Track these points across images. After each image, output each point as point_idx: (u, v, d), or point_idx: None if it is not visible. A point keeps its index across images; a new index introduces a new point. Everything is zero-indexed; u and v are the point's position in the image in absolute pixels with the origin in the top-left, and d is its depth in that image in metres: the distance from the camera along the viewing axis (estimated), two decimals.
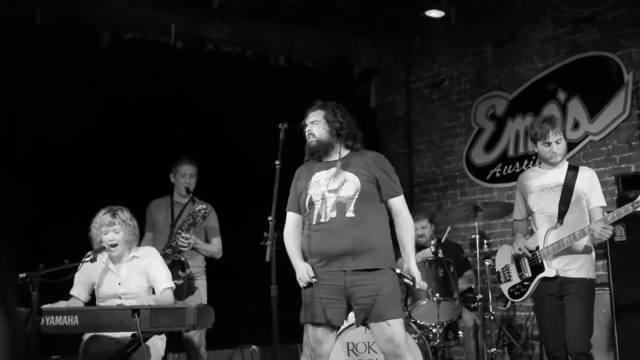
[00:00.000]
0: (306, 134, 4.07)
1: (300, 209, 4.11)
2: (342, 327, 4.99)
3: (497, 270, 4.92)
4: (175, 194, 5.59)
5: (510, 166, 6.84)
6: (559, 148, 4.50)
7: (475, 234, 5.55)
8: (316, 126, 4.04)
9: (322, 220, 3.92)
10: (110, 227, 4.41)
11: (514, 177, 6.69)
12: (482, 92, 7.17)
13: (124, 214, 4.48)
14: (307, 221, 4.04)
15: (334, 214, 3.90)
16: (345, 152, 4.05)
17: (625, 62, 6.06)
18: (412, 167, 7.70)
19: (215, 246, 5.57)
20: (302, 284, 3.97)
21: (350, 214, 3.90)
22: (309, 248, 4.00)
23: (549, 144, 4.48)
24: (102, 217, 4.43)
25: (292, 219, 4.15)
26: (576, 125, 6.35)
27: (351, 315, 4.19)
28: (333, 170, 3.99)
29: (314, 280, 3.90)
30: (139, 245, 4.71)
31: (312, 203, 3.99)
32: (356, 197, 3.91)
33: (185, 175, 5.52)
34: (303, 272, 3.94)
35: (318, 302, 3.89)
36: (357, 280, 3.87)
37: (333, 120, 4.02)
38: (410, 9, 7.14)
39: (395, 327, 3.86)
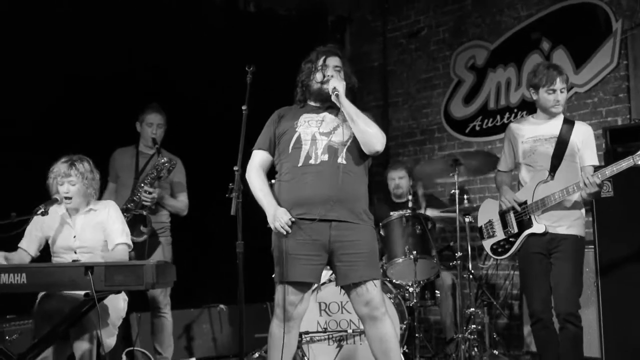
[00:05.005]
0: (322, 75, 3.78)
1: (272, 149, 3.84)
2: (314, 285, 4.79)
3: (479, 225, 4.69)
4: (141, 144, 5.26)
5: (491, 119, 6.54)
6: (563, 97, 4.31)
7: (454, 189, 5.31)
8: (337, 74, 3.79)
9: (312, 162, 3.68)
10: (66, 178, 4.12)
11: (494, 130, 6.47)
12: (461, 41, 6.82)
13: (83, 166, 4.18)
14: (287, 163, 3.75)
15: (325, 157, 3.67)
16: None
17: (613, 9, 5.75)
18: (388, 121, 7.37)
19: (181, 202, 5.26)
20: (276, 225, 3.63)
21: (341, 160, 3.68)
22: (288, 193, 3.71)
23: (554, 91, 4.26)
24: (59, 167, 4.15)
25: (261, 156, 3.86)
26: None
27: (324, 273, 3.98)
28: (324, 114, 3.78)
29: (291, 221, 3.61)
30: (100, 196, 4.46)
31: (299, 142, 3.72)
32: (348, 144, 3.71)
33: (152, 125, 5.19)
34: (280, 212, 3.63)
35: (293, 258, 3.61)
36: (343, 235, 3.63)
37: (349, 74, 3.84)
38: None
39: (374, 289, 3.66)
